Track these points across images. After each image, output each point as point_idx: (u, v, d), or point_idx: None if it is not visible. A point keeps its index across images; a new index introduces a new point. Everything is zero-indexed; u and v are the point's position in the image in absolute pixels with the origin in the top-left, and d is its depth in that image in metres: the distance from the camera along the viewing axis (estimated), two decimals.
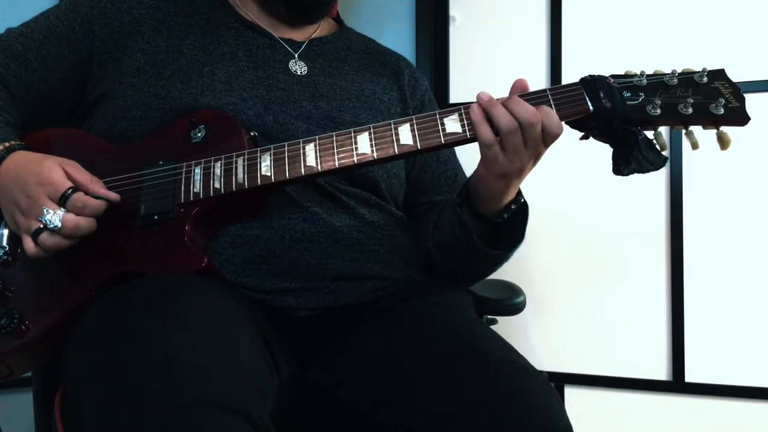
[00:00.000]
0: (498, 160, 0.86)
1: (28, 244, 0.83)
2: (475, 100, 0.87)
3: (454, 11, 1.77)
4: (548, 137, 0.85)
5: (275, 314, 0.90)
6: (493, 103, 0.85)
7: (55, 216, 0.82)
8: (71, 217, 0.82)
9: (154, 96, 0.95)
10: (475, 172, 0.91)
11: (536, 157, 0.87)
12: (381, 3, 1.80)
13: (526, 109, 0.84)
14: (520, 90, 0.88)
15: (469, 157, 0.99)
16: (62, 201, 0.83)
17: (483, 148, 0.86)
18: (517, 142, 0.84)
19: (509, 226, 0.94)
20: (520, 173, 0.88)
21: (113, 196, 0.86)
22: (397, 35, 1.76)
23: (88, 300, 0.85)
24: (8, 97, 0.97)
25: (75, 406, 0.75)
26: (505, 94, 0.89)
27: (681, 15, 1.57)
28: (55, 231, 0.82)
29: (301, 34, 1.08)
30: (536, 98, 0.87)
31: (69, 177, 0.85)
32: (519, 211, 0.94)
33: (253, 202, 0.92)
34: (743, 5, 1.53)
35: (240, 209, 0.92)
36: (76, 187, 0.84)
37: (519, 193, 0.94)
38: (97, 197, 0.84)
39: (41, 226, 0.82)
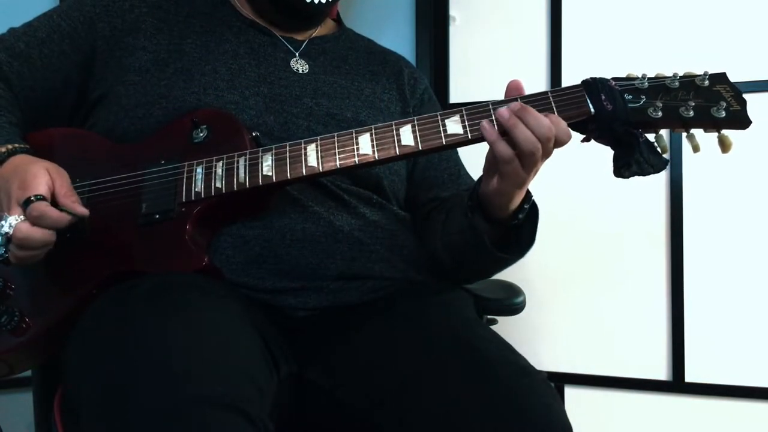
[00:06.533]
0: (519, 174, 0.84)
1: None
2: (473, 100, 0.87)
3: (454, 11, 1.77)
4: (558, 145, 0.84)
5: (275, 314, 0.90)
6: (513, 123, 0.82)
7: (8, 222, 0.79)
8: (24, 226, 0.79)
9: (156, 95, 0.95)
10: (489, 182, 0.89)
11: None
12: (381, 3, 1.80)
13: (542, 124, 0.82)
14: (516, 92, 0.87)
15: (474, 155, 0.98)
16: (24, 207, 0.80)
17: (502, 165, 0.84)
18: (537, 157, 0.83)
19: (520, 227, 0.94)
20: (532, 178, 0.87)
21: (81, 211, 0.83)
22: (397, 35, 1.76)
23: (88, 298, 0.85)
24: (11, 96, 0.97)
25: (74, 405, 0.75)
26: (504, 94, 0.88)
27: (682, 15, 1.57)
28: (8, 239, 0.79)
29: (301, 34, 1.09)
30: (537, 100, 0.87)
31: (52, 184, 0.83)
32: (530, 212, 0.93)
33: (254, 202, 0.92)
34: (744, 5, 1.53)
35: (241, 209, 0.92)
36: (44, 196, 0.81)
37: (527, 193, 0.92)
38: (63, 210, 0.82)
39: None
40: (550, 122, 0.82)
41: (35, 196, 0.80)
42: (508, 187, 0.87)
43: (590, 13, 1.65)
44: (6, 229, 0.79)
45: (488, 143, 0.84)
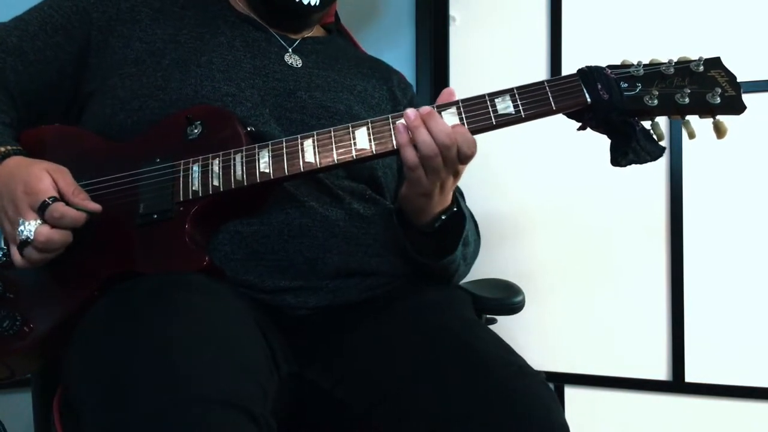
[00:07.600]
0: (421, 182, 0.86)
1: (15, 255, 0.83)
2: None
3: (454, 11, 1.77)
4: (463, 157, 0.85)
5: (275, 313, 0.90)
6: (417, 125, 0.83)
7: (28, 227, 0.80)
8: (44, 229, 0.80)
9: (153, 86, 0.95)
10: (400, 188, 0.91)
11: (456, 174, 0.87)
12: (381, 3, 1.80)
13: (442, 130, 0.83)
14: (448, 98, 0.88)
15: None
16: (40, 211, 0.81)
17: (408, 171, 0.85)
18: (437, 164, 0.84)
19: (443, 234, 0.94)
20: (441, 189, 0.88)
21: (94, 207, 0.85)
22: (397, 35, 1.76)
23: (89, 300, 0.85)
24: (5, 94, 0.97)
25: (75, 405, 0.75)
26: None
27: (682, 16, 1.57)
28: (29, 243, 0.80)
29: (293, 34, 1.09)
30: (534, 90, 0.87)
31: (56, 185, 0.83)
32: (453, 220, 0.93)
33: (253, 199, 0.92)
34: (744, 5, 1.53)
35: (238, 206, 0.92)
36: (58, 197, 0.82)
37: (453, 202, 0.93)
38: (78, 208, 0.83)
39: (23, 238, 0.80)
40: (451, 130, 0.83)
41: (50, 198, 0.81)
42: (412, 194, 0.89)
43: (590, 14, 1.65)
44: (27, 234, 0.80)
45: (398, 146, 0.85)
